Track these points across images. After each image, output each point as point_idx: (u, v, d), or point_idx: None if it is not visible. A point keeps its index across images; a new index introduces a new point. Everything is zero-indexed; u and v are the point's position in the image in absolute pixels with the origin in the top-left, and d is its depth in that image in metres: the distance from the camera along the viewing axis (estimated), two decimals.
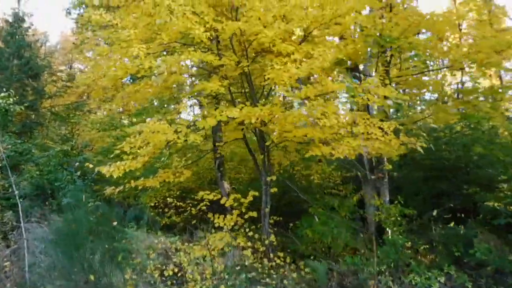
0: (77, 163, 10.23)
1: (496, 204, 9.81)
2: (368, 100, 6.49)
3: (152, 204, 13.14)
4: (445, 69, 8.05)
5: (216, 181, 12.03)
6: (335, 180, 12.02)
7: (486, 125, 10.23)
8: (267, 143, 7.76)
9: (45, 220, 10.16)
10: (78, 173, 9.88)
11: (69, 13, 14.58)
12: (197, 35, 6.35)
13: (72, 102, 21.96)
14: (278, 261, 7.46)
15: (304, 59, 6.62)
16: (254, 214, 8.06)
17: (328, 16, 6.42)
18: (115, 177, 7.35)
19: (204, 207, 12.14)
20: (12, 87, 15.62)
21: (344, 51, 6.40)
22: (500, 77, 15.63)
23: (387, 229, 8.81)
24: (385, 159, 9.59)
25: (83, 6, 11.93)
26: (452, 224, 9.33)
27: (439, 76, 7.92)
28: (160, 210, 13.34)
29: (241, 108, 6.78)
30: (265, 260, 7.45)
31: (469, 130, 10.54)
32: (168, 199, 13.92)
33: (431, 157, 10.03)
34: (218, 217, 8.34)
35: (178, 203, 13.58)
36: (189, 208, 11.81)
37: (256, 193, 7.91)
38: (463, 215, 10.25)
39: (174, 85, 7.95)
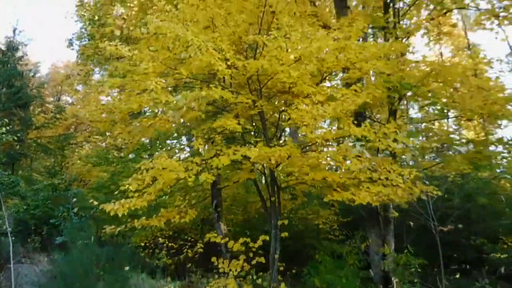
0: (74, 199, 9.73)
1: (501, 255, 9.72)
2: (389, 146, 6.39)
3: (142, 244, 12.53)
4: (452, 118, 8.08)
5: (211, 221, 11.60)
6: (331, 225, 11.75)
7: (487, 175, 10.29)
8: (282, 185, 7.50)
9: (29, 259, 9.54)
10: (75, 209, 9.37)
11: (71, 43, 14.41)
12: (220, 71, 6.20)
13: (60, 134, 21.48)
14: None
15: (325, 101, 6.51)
16: (262, 260, 7.66)
17: (353, 59, 6.39)
18: (120, 215, 6.94)
19: (201, 249, 11.68)
20: None
21: (364, 95, 6.33)
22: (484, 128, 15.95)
23: (393, 278, 8.54)
24: (391, 205, 9.43)
25: (87, 37, 11.79)
26: (458, 275, 9.14)
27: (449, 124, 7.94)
28: (151, 250, 12.74)
29: (256, 146, 6.58)
30: None
31: (472, 180, 10.58)
32: (159, 239, 13.34)
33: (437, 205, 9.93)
34: (223, 262, 7.91)
35: (170, 244, 13.01)
36: (185, 249, 11.29)
37: (267, 237, 7.55)
38: (467, 266, 10.11)
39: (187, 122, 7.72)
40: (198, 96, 6.20)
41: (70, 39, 14.39)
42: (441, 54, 21.40)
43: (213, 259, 8.14)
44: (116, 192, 7.98)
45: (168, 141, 10.56)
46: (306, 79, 6.57)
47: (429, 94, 7.06)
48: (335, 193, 6.36)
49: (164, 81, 6.69)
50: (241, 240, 7.49)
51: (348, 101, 5.94)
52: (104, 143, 25.99)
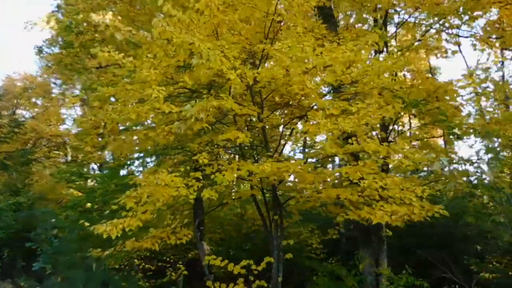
0: (53, 220, 8.83)
1: (489, 276, 9.74)
2: (401, 163, 6.21)
3: (117, 267, 11.64)
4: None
5: (192, 241, 10.97)
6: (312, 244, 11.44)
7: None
8: (291, 202, 7.11)
9: None
10: (55, 231, 8.48)
11: (41, 51, 13.48)
12: (232, 80, 5.81)
13: (18, 149, 20.04)
14: None
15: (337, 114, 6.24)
16: (264, 283, 7.15)
17: (366, 72, 6.19)
18: (113, 237, 6.27)
19: (185, 272, 10.97)
20: None
21: (391, 109, 6.11)
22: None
23: None
24: (384, 224, 9.25)
25: (63, 44, 11.02)
26: None
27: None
28: (125, 273, 11.87)
29: (256, 162, 6.20)
30: None
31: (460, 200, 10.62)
32: (135, 260, 12.51)
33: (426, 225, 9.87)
34: (220, 286, 7.34)
35: (146, 265, 12.24)
36: (168, 272, 10.57)
37: (271, 259, 7.07)
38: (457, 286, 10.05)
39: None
40: (208, 106, 5.77)
41: (40, 47, 13.49)
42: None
43: (209, 283, 7.54)
44: (95, 212, 7.32)
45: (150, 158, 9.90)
46: (317, 91, 6.30)
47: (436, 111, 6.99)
48: (350, 212, 6.05)
49: (165, 91, 6.20)
50: (243, 262, 6.96)
51: (368, 114, 5.71)
52: (64, 159, 24.62)
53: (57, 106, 25.65)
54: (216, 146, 7.13)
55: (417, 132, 8.91)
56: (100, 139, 7.72)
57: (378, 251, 9.32)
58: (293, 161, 6.67)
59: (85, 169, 13.52)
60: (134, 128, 7.73)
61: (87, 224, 6.41)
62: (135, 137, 6.88)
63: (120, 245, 7.03)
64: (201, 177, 6.46)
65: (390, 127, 7.70)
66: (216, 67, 5.64)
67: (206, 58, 5.50)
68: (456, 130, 7.15)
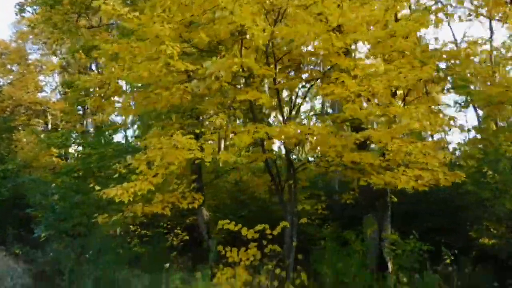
0: (53, 185, 8.40)
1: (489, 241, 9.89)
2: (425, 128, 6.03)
3: (111, 232, 11.34)
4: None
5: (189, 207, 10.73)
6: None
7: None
8: (311, 166, 6.89)
9: None
10: (56, 196, 8.06)
11: (22, 10, 12.52)
12: (256, 36, 5.42)
13: None
14: None
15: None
16: (277, 247, 6.99)
17: (401, 31, 5.88)
18: (126, 202, 5.96)
19: (187, 237, 10.71)
20: None
21: (425, 71, 5.85)
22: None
23: (389, 264, 8.32)
24: (388, 190, 9.21)
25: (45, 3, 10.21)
26: (448, 261, 9.15)
27: None
28: (120, 240, 11.61)
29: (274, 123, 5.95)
30: None
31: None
32: (130, 226, 12.22)
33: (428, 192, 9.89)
34: (230, 250, 7.14)
35: (143, 231, 11.98)
36: (171, 237, 10.30)
37: (287, 224, 6.89)
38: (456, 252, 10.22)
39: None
40: (229, 63, 5.40)
41: (22, 5, 12.50)
42: None
43: (220, 247, 7.33)
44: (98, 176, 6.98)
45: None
46: (341, 51, 5.98)
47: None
48: (373, 176, 5.88)
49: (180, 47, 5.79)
50: (258, 227, 6.76)
51: (400, 76, 5.45)
52: (43, 127, 23.69)
53: (34, 73, 24.47)
54: (229, 108, 6.79)
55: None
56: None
57: (383, 217, 9.31)
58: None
59: (73, 135, 12.96)
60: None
61: (97, 188, 6.04)
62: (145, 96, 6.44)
63: (128, 210, 6.72)
64: (215, 140, 6.17)
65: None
66: (240, 21, 5.25)
67: (229, 10, 5.10)
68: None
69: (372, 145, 7.99)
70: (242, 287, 6.72)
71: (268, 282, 6.71)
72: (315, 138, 5.77)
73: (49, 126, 23.44)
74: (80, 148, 11.78)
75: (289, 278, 6.83)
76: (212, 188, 12.65)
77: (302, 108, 10.07)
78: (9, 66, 25.95)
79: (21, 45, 24.71)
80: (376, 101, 6.09)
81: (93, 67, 18.17)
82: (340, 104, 6.79)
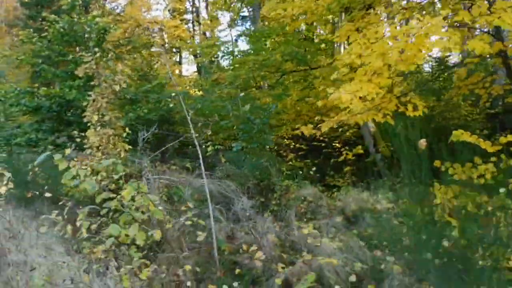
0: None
1: None
2: None
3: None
4: None
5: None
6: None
7: None
8: None
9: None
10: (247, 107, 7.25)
11: None
12: None
13: (119, 39, 18.80)
14: None
15: None
16: None
17: None
18: (351, 106, 4.91)
19: (361, 151, 9.77)
20: None
21: None
22: None
23: None
24: None
25: None
26: None
27: None
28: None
29: None
30: None
31: None
32: (285, 140, 11.66)
33: None
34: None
35: (297, 145, 11.38)
36: (344, 151, 9.43)
37: None
38: None
39: None
40: None
41: None
42: None
43: (437, 163, 6.07)
44: None
45: None
46: None
47: None
48: None
49: None
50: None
51: None
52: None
53: None
54: None
55: None
56: None
57: None
58: None
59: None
60: None
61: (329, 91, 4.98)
62: None
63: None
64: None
65: None
66: None
67: None
68: None
69: None
70: None
71: None
72: None
73: (166, 45, 23.30)
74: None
75: None
76: None
77: None
78: None
79: None
80: None
81: None
82: None
